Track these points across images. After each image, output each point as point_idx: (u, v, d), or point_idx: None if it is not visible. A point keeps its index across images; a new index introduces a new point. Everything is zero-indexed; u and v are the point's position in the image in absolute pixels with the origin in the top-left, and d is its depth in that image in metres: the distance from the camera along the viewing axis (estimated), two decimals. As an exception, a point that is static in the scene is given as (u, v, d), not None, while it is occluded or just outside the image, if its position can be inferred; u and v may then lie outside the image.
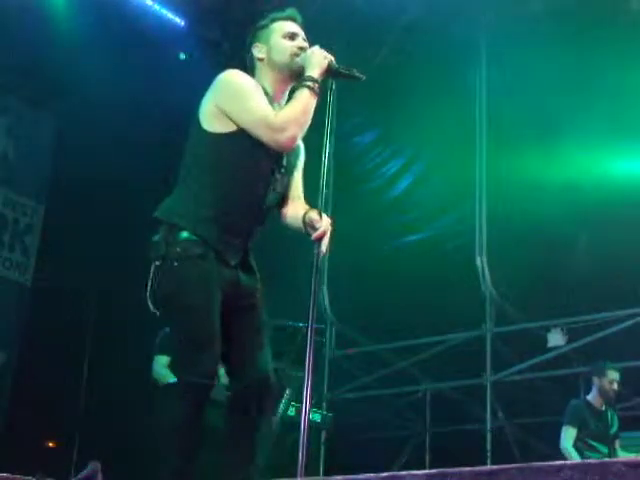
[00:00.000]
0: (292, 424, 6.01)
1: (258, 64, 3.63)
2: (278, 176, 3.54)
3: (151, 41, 8.77)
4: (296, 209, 3.61)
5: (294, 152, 3.65)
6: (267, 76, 3.62)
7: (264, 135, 3.41)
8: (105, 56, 8.49)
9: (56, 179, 9.29)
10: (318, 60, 3.45)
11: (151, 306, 3.41)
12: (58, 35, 8.33)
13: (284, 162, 3.56)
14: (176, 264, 3.35)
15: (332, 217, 3.47)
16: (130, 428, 7.99)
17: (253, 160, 3.46)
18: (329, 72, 3.47)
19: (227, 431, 3.43)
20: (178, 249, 3.35)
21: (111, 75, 8.50)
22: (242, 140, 3.43)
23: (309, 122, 3.44)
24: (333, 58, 3.48)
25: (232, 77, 3.51)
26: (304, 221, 3.48)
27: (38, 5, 8.25)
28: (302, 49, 3.58)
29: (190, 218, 3.40)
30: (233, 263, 3.43)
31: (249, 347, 3.44)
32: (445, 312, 8.14)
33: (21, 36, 8.21)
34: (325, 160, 3.44)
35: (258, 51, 3.63)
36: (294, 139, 3.44)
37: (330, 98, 3.46)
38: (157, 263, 3.39)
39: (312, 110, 3.44)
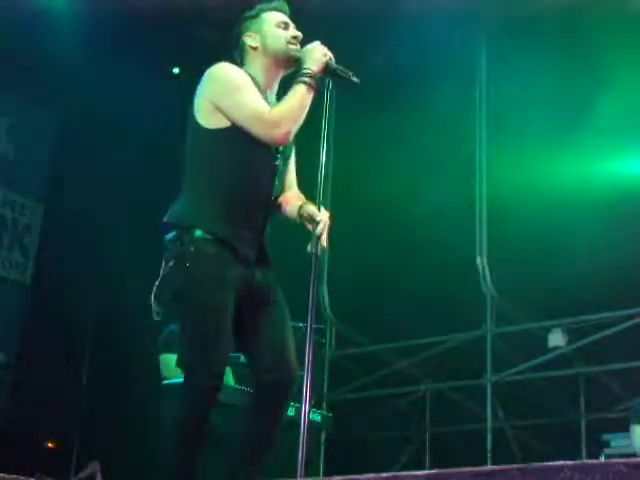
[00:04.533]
0: (292, 424, 5.98)
1: (251, 53, 3.61)
2: (279, 165, 3.54)
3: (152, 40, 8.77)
4: (293, 199, 3.60)
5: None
6: (259, 64, 3.60)
7: (258, 130, 3.39)
8: (105, 55, 8.50)
9: (56, 179, 9.30)
10: (318, 56, 3.44)
11: (155, 306, 3.40)
12: (58, 35, 8.34)
13: (281, 150, 3.55)
14: (189, 264, 3.33)
15: (331, 213, 3.46)
16: (130, 428, 7.99)
17: (255, 152, 3.44)
18: (327, 70, 3.45)
19: (248, 424, 3.43)
20: (192, 248, 3.34)
21: (111, 74, 8.50)
22: (242, 133, 3.42)
23: (304, 117, 3.43)
24: (333, 56, 3.47)
25: (222, 71, 3.50)
26: (301, 214, 3.46)
27: (38, 5, 8.25)
28: (296, 38, 3.59)
29: (202, 217, 3.39)
30: (250, 258, 3.40)
31: (270, 342, 3.42)
32: (445, 312, 8.13)
33: (21, 36, 8.22)
34: (323, 159, 3.43)
35: (252, 40, 3.61)
36: (289, 134, 3.42)
37: (327, 97, 3.44)
38: (171, 263, 3.38)
39: (308, 105, 3.43)
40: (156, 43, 8.71)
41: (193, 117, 3.48)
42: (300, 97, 3.40)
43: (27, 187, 9.31)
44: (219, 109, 3.42)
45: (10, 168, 9.15)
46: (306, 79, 3.41)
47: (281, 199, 3.63)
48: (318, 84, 3.44)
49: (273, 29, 3.61)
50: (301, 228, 3.49)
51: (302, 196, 3.62)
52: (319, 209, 3.39)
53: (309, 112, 3.46)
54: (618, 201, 7.49)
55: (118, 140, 8.81)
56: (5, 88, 8.79)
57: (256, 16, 3.67)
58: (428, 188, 8.77)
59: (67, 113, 9.12)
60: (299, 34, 3.62)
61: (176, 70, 9.16)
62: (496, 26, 8.14)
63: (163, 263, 3.41)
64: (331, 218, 3.43)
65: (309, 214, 3.41)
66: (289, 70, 3.62)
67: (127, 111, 8.58)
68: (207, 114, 3.45)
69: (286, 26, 3.63)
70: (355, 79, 3.49)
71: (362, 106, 8.45)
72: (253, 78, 3.55)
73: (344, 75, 3.48)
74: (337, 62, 3.52)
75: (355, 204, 8.80)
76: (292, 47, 3.56)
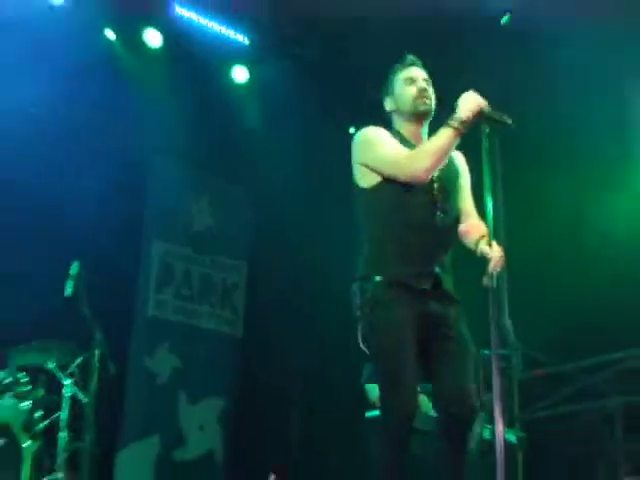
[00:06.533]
0: (488, 446, 6.09)
1: (392, 116, 3.97)
2: (439, 200, 3.77)
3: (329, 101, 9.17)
4: (471, 230, 3.85)
5: (451, 171, 3.89)
6: (401, 125, 3.94)
7: (399, 172, 3.66)
8: (285, 122, 9.05)
9: (257, 241, 9.85)
10: (471, 105, 3.60)
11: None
12: (245, 117, 9.09)
13: (435, 187, 3.77)
14: (368, 311, 3.66)
15: (503, 246, 3.63)
16: (342, 471, 8.29)
17: (409, 195, 3.71)
18: (481, 117, 3.63)
19: (438, 458, 3.67)
20: (369, 296, 3.67)
21: (292, 138, 9.05)
22: (394, 183, 3.73)
23: (446, 156, 3.60)
24: (486, 103, 3.66)
25: (361, 134, 3.89)
26: (478, 251, 3.72)
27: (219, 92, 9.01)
28: (422, 90, 3.85)
29: (377, 265, 3.73)
30: (426, 289, 3.64)
31: (450, 375, 3.63)
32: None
33: (215, 119, 8.93)
34: (490, 202, 3.56)
35: (388, 104, 3.99)
36: (428, 171, 3.61)
37: (485, 142, 3.57)
38: (358, 313, 3.72)
39: (450, 147, 3.62)
40: (334, 104, 9.19)
41: (354, 181, 3.92)
42: (442, 138, 3.59)
43: (232, 251, 9.85)
44: (368, 167, 3.78)
45: (215, 237, 9.77)
46: (453, 123, 3.61)
47: (461, 228, 3.93)
48: (466, 129, 3.62)
49: (401, 89, 3.91)
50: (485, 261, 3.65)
51: (482, 224, 3.80)
52: (491, 242, 3.60)
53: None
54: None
55: (301, 198, 9.28)
56: (205, 167, 9.52)
57: (390, 79, 4.01)
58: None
59: (261, 185, 9.62)
60: (424, 86, 3.86)
61: (352, 130, 9.34)
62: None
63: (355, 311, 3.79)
64: (505, 253, 3.63)
65: (481, 252, 3.68)
66: (427, 121, 3.91)
67: (310, 170, 9.15)
68: (362, 176, 3.85)
69: (412, 81, 3.88)
70: (509, 121, 3.67)
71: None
72: (398, 133, 3.91)
73: (498, 119, 3.66)
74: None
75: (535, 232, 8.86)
76: (419, 102, 3.83)
